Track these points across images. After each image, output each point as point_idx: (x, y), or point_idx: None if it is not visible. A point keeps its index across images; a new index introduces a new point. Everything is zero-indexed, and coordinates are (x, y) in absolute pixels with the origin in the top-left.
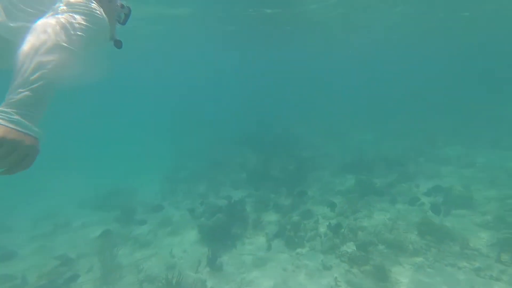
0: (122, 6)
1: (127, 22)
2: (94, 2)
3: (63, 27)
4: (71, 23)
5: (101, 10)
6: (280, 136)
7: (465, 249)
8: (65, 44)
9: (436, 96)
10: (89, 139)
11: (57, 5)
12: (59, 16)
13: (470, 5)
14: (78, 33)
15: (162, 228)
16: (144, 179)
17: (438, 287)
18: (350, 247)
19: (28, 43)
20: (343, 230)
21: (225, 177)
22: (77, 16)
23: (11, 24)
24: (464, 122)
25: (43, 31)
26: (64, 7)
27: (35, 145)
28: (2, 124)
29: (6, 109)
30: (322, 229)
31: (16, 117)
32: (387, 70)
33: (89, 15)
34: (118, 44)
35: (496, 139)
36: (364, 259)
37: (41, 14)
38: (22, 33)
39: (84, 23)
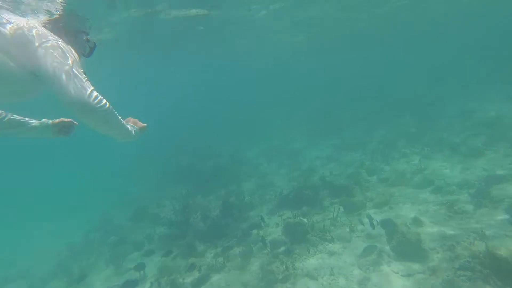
0: (88, 40)
1: (92, 55)
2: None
3: None
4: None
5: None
6: (219, 167)
7: None
8: None
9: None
10: None
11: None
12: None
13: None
14: None
15: None
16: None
17: None
18: None
19: None
20: None
21: (141, 235)
22: None
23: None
24: (423, 123)
25: None
26: None
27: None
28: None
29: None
30: None
31: None
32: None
33: None
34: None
35: (457, 144)
36: None
37: None
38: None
39: None
